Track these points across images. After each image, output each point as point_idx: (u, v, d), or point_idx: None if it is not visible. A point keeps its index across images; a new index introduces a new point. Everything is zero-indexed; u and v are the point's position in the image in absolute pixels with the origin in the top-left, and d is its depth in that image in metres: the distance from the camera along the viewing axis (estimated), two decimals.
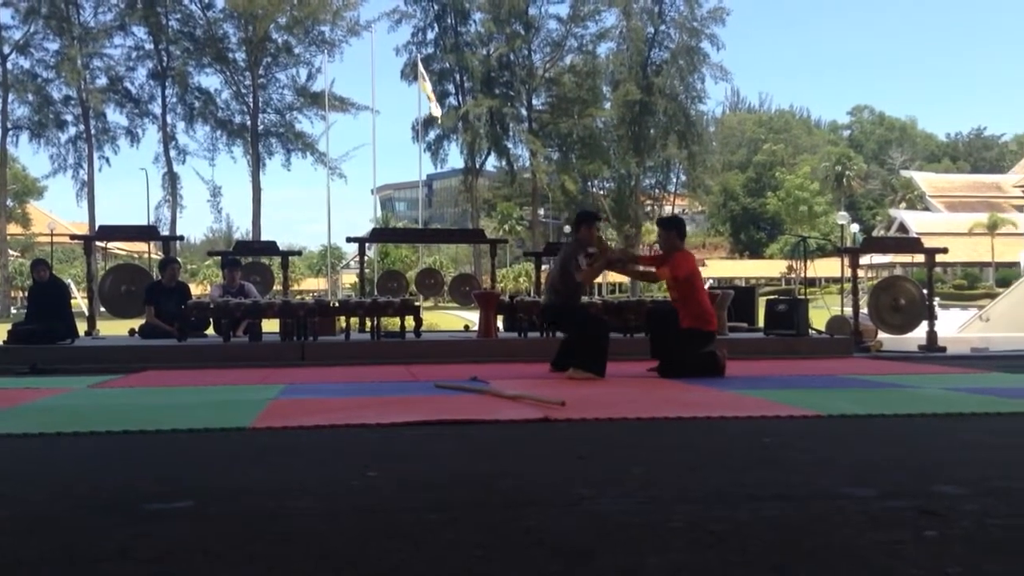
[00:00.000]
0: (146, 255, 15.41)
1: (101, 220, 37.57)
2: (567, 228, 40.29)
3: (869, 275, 34.24)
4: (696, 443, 3.60)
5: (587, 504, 2.40)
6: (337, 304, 9.41)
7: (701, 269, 8.24)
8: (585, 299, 9.33)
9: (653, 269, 7.08)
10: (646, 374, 6.60)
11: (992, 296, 25.76)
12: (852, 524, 2.15)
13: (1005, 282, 33.88)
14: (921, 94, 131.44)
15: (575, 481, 2.74)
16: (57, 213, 53.78)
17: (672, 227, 6.90)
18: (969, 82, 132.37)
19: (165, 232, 27.82)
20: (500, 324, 10.12)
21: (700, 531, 2.09)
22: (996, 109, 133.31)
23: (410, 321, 9.02)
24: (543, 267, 12.84)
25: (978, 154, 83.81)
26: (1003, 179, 60.92)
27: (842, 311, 12.37)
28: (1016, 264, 35.46)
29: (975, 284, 44.96)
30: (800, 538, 2.04)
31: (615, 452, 3.36)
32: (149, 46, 41.74)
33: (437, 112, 38.51)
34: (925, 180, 62.87)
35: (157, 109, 42.38)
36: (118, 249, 34.54)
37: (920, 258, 11.05)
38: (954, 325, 17.62)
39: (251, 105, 42.46)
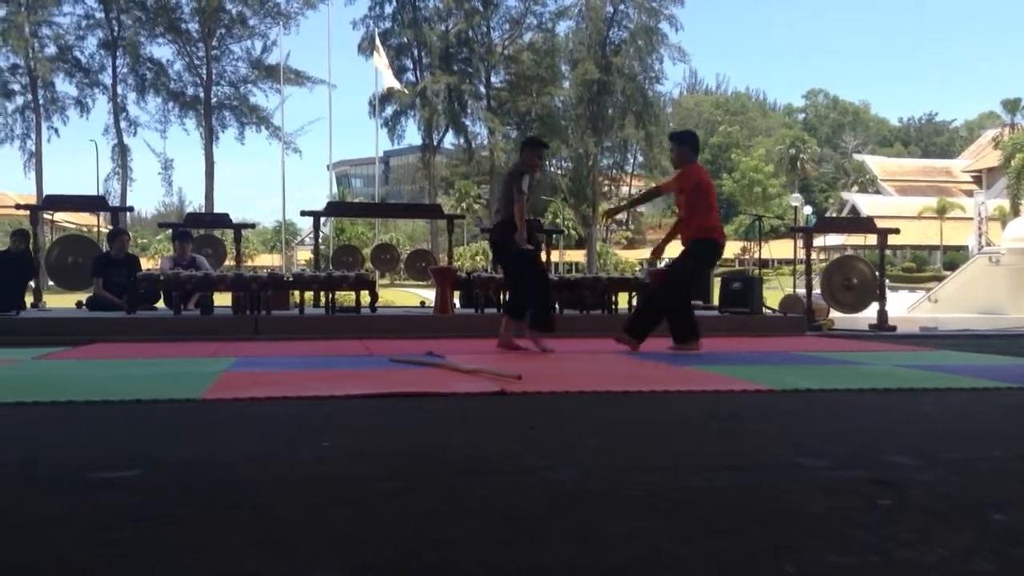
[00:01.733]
0: (95, 228, 15.05)
1: (49, 192, 36.74)
2: None
3: (821, 257, 34.70)
4: (652, 416, 3.60)
5: (541, 474, 2.38)
6: (291, 278, 9.30)
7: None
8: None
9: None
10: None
11: (940, 278, 26.25)
12: (806, 492, 2.16)
13: (952, 265, 34.54)
14: (875, 79, 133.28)
15: (530, 452, 2.72)
16: (3, 185, 52.49)
17: (685, 141, 6.72)
18: (922, 68, 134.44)
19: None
20: (456, 300, 10.08)
21: (655, 498, 2.08)
22: (947, 95, 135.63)
23: (365, 296, 8.94)
24: None
25: (929, 139, 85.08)
26: (953, 164, 61.97)
27: (794, 290, 12.51)
28: (964, 247, 36.17)
29: (923, 267, 45.76)
30: (753, 504, 2.04)
31: (571, 425, 3.35)
32: (100, 15, 40.76)
33: (396, 84, 38.05)
34: (877, 164, 63.70)
35: (107, 79, 41.51)
36: (67, 222, 33.81)
37: (872, 240, 11.21)
38: (903, 306, 17.96)
39: (204, 77, 41.71)
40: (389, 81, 36.27)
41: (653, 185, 6.93)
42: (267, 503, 2.06)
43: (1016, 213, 33.12)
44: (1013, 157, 38.53)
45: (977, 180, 52.91)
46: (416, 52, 44.78)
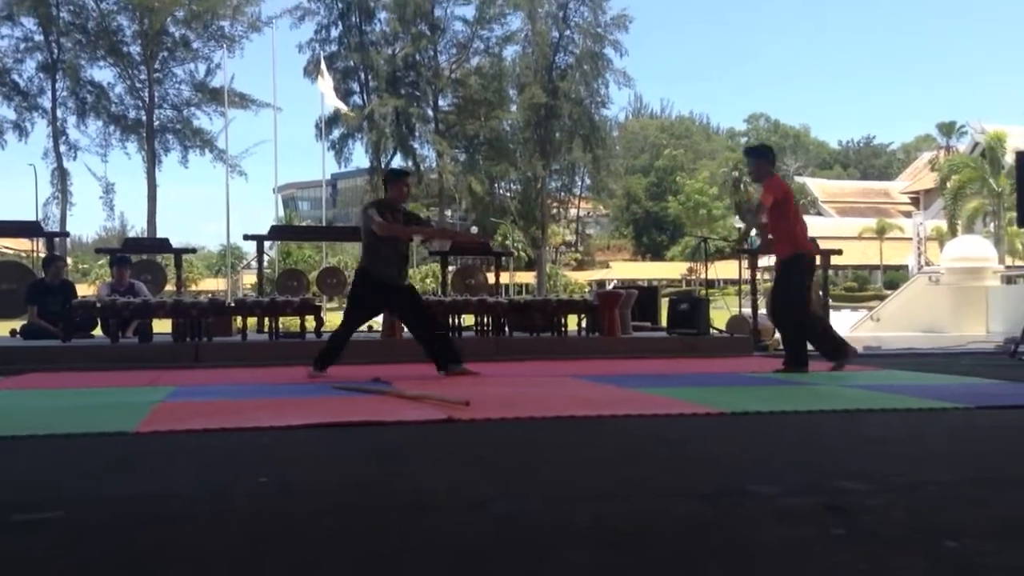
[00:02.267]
0: (33, 254, 14.63)
1: None
2: (474, 229, 40.25)
3: (766, 277, 35.11)
4: (601, 441, 3.55)
5: (490, 506, 2.31)
6: (233, 303, 9.09)
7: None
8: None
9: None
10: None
11: (881, 297, 26.72)
12: (759, 521, 2.11)
13: (893, 284, 35.23)
14: (814, 103, 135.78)
15: (479, 483, 2.65)
16: None
17: (761, 156, 6.75)
18: (860, 92, 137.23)
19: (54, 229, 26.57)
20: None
21: (603, 530, 2.02)
22: (885, 119, 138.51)
23: (311, 321, 8.79)
24: (449, 268, 12.71)
25: (867, 162, 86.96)
26: (891, 186, 63.34)
27: (740, 311, 12.60)
28: (904, 267, 36.94)
29: (865, 286, 46.63)
30: (706, 535, 1.98)
31: (520, 453, 3.28)
32: (39, 38, 39.90)
33: (343, 107, 37.86)
34: (818, 186, 64.84)
35: (47, 103, 40.63)
36: (4, 247, 32.93)
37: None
38: (846, 325, 18.21)
39: (146, 100, 41.04)
40: (332, 101, 36.07)
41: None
42: (198, 543, 1.95)
43: (953, 233, 33.94)
44: (949, 179, 39.55)
45: (915, 201, 54.22)
46: (363, 75, 44.64)
